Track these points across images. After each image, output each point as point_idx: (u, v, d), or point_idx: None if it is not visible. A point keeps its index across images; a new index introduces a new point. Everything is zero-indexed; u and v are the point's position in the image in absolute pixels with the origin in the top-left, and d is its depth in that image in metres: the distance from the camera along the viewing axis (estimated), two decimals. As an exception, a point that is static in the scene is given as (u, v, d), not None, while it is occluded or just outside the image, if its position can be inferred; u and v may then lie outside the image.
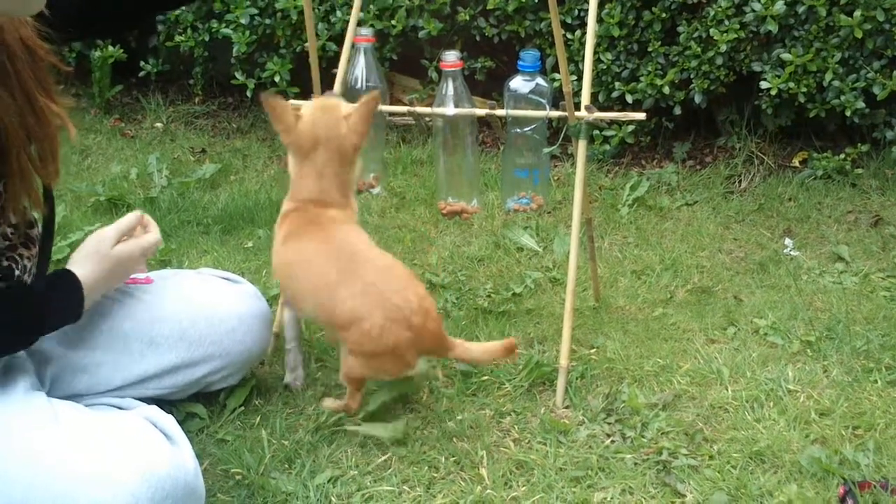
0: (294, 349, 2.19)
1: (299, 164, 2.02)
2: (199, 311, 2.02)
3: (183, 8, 3.85)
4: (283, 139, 2.01)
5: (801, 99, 3.24)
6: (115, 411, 1.85)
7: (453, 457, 1.93)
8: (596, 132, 3.53)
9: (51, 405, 1.71)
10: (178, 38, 3.96)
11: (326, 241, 1.97)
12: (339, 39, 3.61)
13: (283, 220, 2.06)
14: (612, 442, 1.99)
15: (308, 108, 2.02)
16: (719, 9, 3.26)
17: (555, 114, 2.23)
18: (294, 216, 2.03)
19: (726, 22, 3.26)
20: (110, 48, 4.10)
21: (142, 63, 4.16)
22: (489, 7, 3.56)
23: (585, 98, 2.19)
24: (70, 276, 1.80)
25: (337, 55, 2.96)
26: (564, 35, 3.42)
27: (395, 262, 1.99)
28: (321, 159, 1.99)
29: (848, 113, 3.21)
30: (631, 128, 3.52)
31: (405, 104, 2.34)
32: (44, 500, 1.55)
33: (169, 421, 1.78)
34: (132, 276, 2.12)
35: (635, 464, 1.92)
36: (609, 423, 2.05)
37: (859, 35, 3.12)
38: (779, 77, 3.23)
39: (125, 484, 1.56)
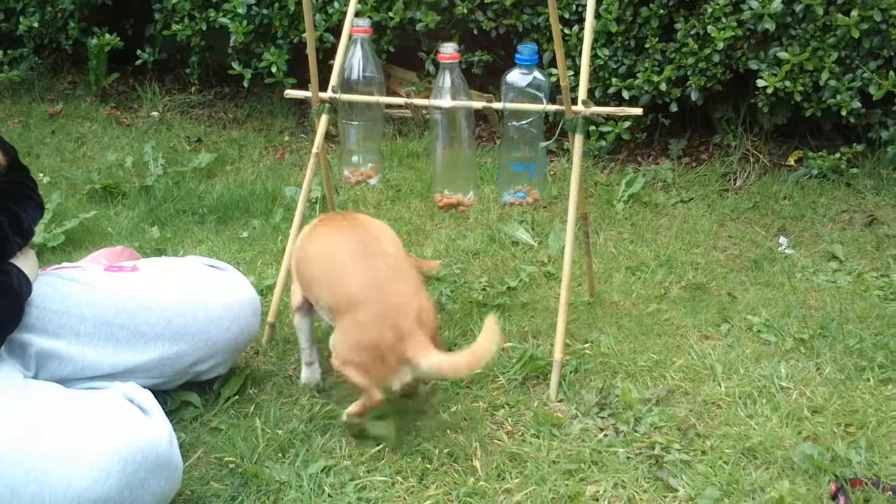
0: (308, 349, 2.17)
1: None
2: (184, 299, 2.01)
3: None
4: None
5: (798, 98, 3.24)
6: (94, 390, 1.85)
7: (447, 448, 1.94)
8: (592, 128, 3.54)
9: (24, 384, 1.74)
10: (174, 27, 3.95)
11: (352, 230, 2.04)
12: (336, 30, 3.61)
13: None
14: (605, 436, 2.00)
15: None
16: (717, 6, 3.26)
17: (552, 108, 2.23)
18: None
19: (723, 19, 3.26)
20: (107, 36, 4.09)
21: (138, 52, 4.15)
22: (487, 1, 3.56)
23: (582, 93, 2.19)
24: None
25: (334, 46, 2.97)
26: (562, 30, 3.42)
27: (411, 268, 2.01)
28: None
29: (844, 112, 3.21)
30: (627, 124, 3.53)
31: (402, 96, 2.34)
32: (16, 475, 1.57)
33: (145, 395, 1.81)
34: (118, 264, 2.13)
35: (628, 458, 1.93)
36: (602, 417, 2.05)
37: (856, 35, 3.12)
38: (775, 76, 3.23)
39: (96, 458, 1.58)
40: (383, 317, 1.87)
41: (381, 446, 1.96)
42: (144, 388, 1.90)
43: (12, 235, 1.80)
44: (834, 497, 1.79)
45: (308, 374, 2.18)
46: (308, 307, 2.13)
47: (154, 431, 1.67)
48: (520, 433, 2.01)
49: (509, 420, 2.05)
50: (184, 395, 2.09)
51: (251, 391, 2.16)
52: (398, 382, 1.89)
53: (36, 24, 4.15)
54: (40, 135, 3.91)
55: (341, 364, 1.92)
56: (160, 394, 1.95)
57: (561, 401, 2.12)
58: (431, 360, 1.86)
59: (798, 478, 1.86)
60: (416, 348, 1.86)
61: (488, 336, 1.84)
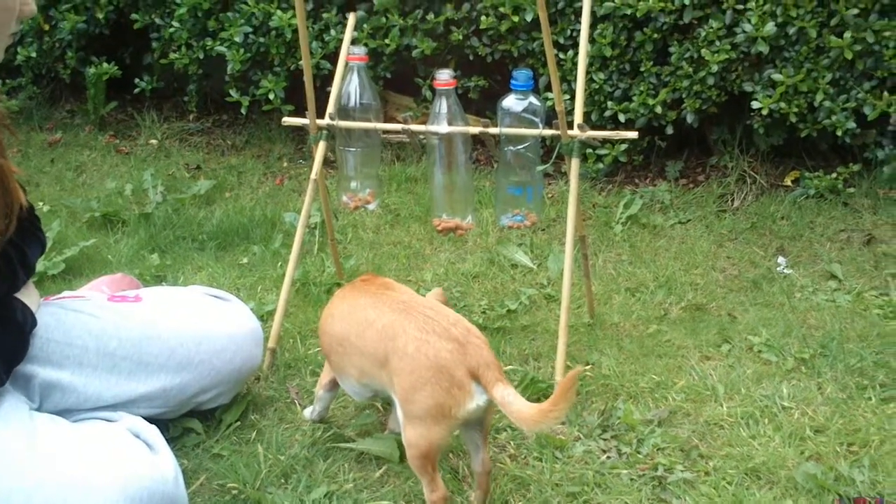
0: (321, 413, 2.11)
1: None
2: (188, 330, 2.02)
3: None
4: None
5: (793, 119, 3.27)
6: (100, 423, 1.85)
7: (450, 472, 1.93)
8: (589, 151, 3.55)
9: (31, 419, 1.73)
10: (172, 56, 3.98)
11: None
12: (333, 58, 3.63)
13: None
14: (608, 458, 2.00)
15: None
16: (710, 29, 3.29)
17: (548, 132, 2.24)
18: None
19: (717, 42, 3.29)
20: (105, 65, 4.11)
21: (136, 80, 4.17)
22: (482, 27, 3.59)
23: (578, 117, 2.21)
24: None
25: (331, 73, 2.99)
26: (557, 55, 3.45)
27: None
28: None
29: (839, 133, 3.23)
30: (624, 146, 3.55)
31: (399, 122, 2.35)
32: None
33: (152, 431, 1.81)
34: (120, 293, 2.13)
35: (631, 479, 1.92)
36: (605, 439, 2.05)
37: (849, 56, 3.15)
38: (770, 97, 3.25)
39: (103, 496, 1.58)
40: (430, 331, 1.73)
41: (383, 470, 1.95)
42: (147, 417, 1.89)
43: (20, 270, 1.81)
44: (838, 516, 1.79)
45: (314, 415, 2.12)
46: (333, 384, 2.05)
47: (160, 469, 1.67)
48: (523, 456, 2.01)
49: (512, 443, 2.05)
50: (186, 421, 2.08)
51: (253, 417, 2.15)
52: (474, 404, 1.69)
53: (34, 54, 4.17)
54: (40, 163, 3.92)
55: (409, 414, 1.72)
56: (162, 421, 1.95)
57: (563, 423, 2.11)
58: (506, 392, 1.66)
59: (801, 498, 1.86)
60: (485, 365, 1.69)
61: (562, 394, 1.60)
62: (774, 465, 1.95)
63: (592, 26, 3.39)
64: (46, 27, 4.15)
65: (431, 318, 1.76)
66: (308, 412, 2.13)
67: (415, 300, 1.85)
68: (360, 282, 1.99)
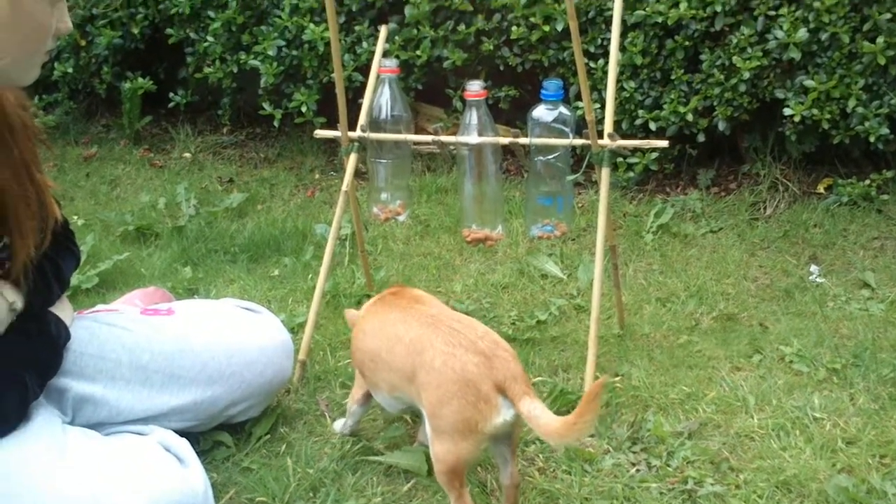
0: (354, 425, 2.13)
1: None
2: (219, 343, 2.03)
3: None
4: None
5: (825, 125, 3.23)
6: (131, 437, 1.87)
7: (478, 486, 1.93)
8: (620, 159, 3.54)
9: (64, 434, 1.74)
10: (206, 70, 4.02)
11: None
12: (364, 70, 3.66)
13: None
14: (638, 471, 1.99)
15: None
16: (742, 36, 3.27)
17: (578, 142, 2.24)
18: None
19: (749, 49, 3.27)
20: (140, 80, 4.17)
21: (171, 94, 4.22)
22: (512, 37, 3.59)
23: (608, 126, 2.21)
24: None
25: (363, 85, 3.00)
26: (587, 64, 3.45)
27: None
28: None
29: (872, 139, 3.20)
30: (655, 155, 3.53)
31: (430, 133, 2.36)
32: None
33: (182, 444, 1.82)
34: (153, 306, 2.15)
35: (661, 493, 1.91)
36: (634, 452, 2.04)
37: (882, 62, 3.12)
38: (802, 104, 3.23)
39: None
40: (456, 345, 1.73)
41: (412, 483, 1.96)
42: (178, 431, 1.91)
43: (54, 284, 1.84)
44: (871, 530, 1.77)
45: (346, 429, 2.14)
46: (366, 398, 2.07)
47: (190, 483, 1.69)
48: (551, 469, 2.00)
49: (541, 456, 2.04)
50: (216, 435, 2.10)
51: (282, 430, 2.17)
52: (501, 419, 1.69)
53: (70, 70, 4.24)
54: (75, 178, 3.98)
55: (437, 429, 1.73)
56: (193, 434, 1.97)
57: (592, 436, 2.11)
58: (533, 406, 1.66)
59: (834, 511, 1.84)
60: (511, 378, 1.69)
61: (587, 405, 1.59)
62: (806, 477, 1.93)
63: (623, 35, 3.39)
64: (83, 43, 4.21)
65: (458, 332, 1.76)
66: (338, 425, 2.14)
67: (443, 313, 1.85)
68: (389, 295, 2.00)
